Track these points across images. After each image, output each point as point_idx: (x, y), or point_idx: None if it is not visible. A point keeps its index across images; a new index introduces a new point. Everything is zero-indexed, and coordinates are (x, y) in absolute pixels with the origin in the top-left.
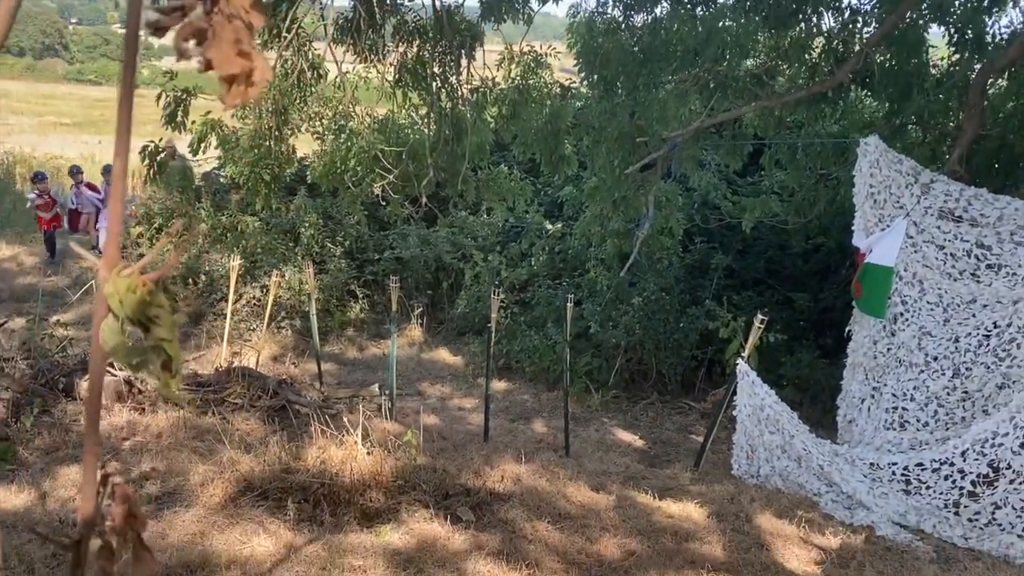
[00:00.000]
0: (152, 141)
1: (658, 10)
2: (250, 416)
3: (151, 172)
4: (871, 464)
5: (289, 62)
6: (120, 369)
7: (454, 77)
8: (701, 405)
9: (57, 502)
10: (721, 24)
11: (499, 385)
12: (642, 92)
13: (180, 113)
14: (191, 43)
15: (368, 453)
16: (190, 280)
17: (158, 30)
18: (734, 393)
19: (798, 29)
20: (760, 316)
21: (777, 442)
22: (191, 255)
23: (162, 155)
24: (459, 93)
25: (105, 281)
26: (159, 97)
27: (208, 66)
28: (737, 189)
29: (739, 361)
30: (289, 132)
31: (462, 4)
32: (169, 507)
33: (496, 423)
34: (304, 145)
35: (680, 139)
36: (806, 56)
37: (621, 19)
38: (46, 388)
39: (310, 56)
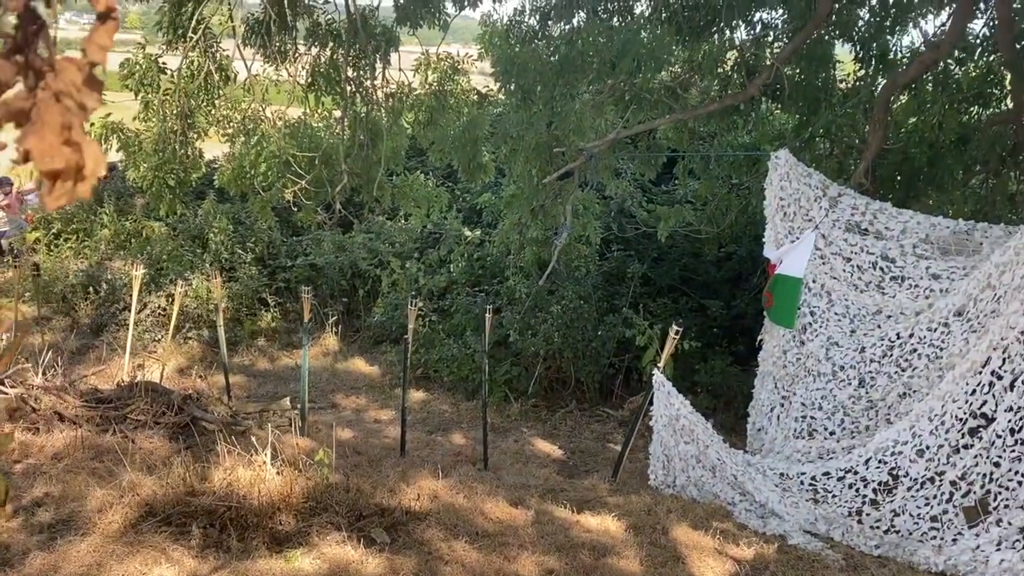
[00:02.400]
0: None
1: (575, 20)
2: (154, 434)
3: None
4: (781, 474)
5: (195, 63)
6: (12, 386)
7: (369, 82)
8: (619, 413)
9: None
10: (637, 36)
11: (417, 395)
12: (559, 102)
13: None
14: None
15: (278, 473)
16: (90, 289)
17: None
18: (650, 403)
19: (711, 42)
20: (675, 327)
21: (692, 452)
22: (92, 263)
23: None
24: (374, 98)
25: None
26: None
27: (26, 157)
28: (652, 198)
29: (655, 372)
30: (195, 136)
31: (377, 7)
32: (63, 535)
33: (413, 435)
34: (214, 148)
35: (596, 150)
36: (719, 69)
37: (538, 28)
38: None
39: (217, 57)
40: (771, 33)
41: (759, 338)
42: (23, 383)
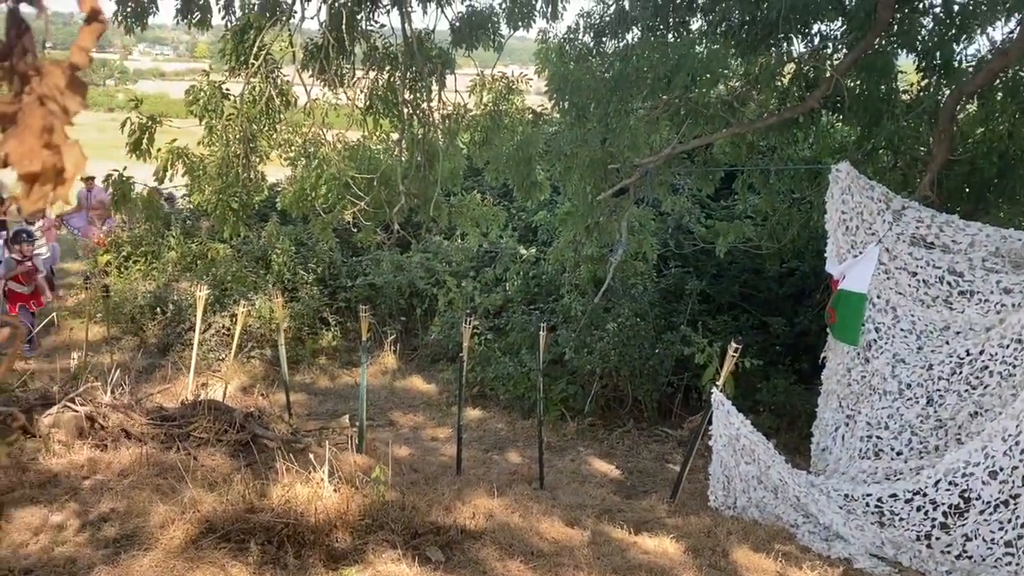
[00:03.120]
0: (116, 169)
1: (629, 36)
2: (216, 451)
3: (116, 200)
4: (845, 495)
5: (257, 88)
6: (82, 403)
7: (425, 103)
8: (678, 432)
9: (9, 548)
10: (691, 51)
11: (473, 413)
12: (613, 119)
13: (145, 141)
14: None
15: (335, 490)
16: (158, 309)
17: None
18: (710, 422)
19: (768, 55)
20: (734, 344)
21: (753, 472)
22: (159, 284)
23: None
24: (431, 119)
25: None
26: (124, 124)
27: (5, 162)
28: (711, 213)
29: (714, 390)
30: (257, 160)
31: (433, 30)
32: (127, 551)
33: (469, 454)
34: (275, 171)
35: (651, 166)
36: (776, 82)
37: (592, 45)
38: (4, 425)
39: (278, 83)
40: (830, 44)
41: (822, 356)
42: (92, 401)
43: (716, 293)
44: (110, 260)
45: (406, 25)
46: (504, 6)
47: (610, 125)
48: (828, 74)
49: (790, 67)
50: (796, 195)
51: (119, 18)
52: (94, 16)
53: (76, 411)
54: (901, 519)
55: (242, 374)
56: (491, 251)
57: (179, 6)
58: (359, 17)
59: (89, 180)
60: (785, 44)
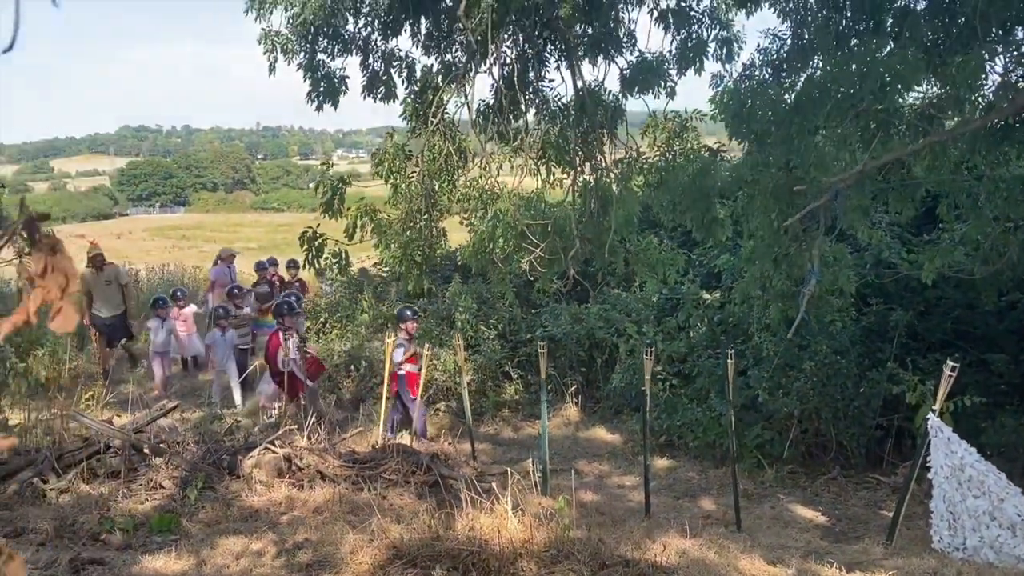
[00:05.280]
0: (310, 227)
1: (811, 68)
2: (404, 491)
3: (308, 257)
4: None
5: (436, 146)
6: (282, 446)
7: (597, 151)
8: (891, 479)
9: (212, 568)
10: (877, 59)
11: (661, 462)
12: (796, 139)
13: (336, 201)
14: None
15: (519, 522)
16: (352, 367)
17: None
18: (927, 453)
19: (966, 61)
20: (951, 363)
21: (984, 507)
22: (354, 345)
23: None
24: (603, 165)
25: None
26: (317, 187)
27: None
28: (912, 248)
29: (929, 415)
30: (438, 214)
31: (602, 81)
32: (319, 574)
33: (659, 500)
34: (455, 232)
35: (842, 184)
36: (976, 84)
37: (770, 79)
38: (212, 466)
39: (456, 139)
40: None
41: None
42: (291, 444)
43: (925, 331)
44: (309, 326)
45: (576, 80)
46: (673, 52)
47: (793, 146)
48: None
49: (993, 77)
50: (1011, 221)
51: (312, 97)
52: None
53: (276, 452)
54: None
55: (429, 425)
56: (671, 298)
57: (364, 83)
58: (530, 77)
59: (230, 256)
60: (984, 53)
